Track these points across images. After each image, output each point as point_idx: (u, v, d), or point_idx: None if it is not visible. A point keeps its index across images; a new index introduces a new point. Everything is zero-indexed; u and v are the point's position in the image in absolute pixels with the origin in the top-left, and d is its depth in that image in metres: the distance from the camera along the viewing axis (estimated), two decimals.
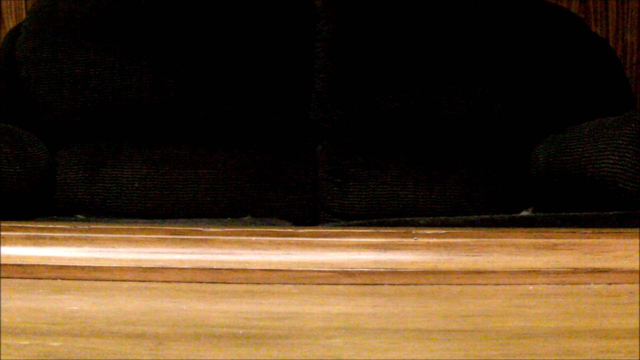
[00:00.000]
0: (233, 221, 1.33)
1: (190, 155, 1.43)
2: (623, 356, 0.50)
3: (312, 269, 0.61)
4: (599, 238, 0.63)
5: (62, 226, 0.64)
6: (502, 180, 1.45)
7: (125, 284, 0.61)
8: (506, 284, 0.62)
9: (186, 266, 0.62)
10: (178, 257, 0.62)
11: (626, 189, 1.06)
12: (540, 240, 0.63)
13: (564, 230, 0.65)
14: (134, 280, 0.61)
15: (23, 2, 1.72)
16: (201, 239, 0.63)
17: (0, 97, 1.47)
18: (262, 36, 1.48)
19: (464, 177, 1.45)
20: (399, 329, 0.54)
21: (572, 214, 1.02)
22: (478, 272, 0.62)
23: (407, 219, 1.17)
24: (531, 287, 0.61)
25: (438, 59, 1.47)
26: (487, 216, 1.10)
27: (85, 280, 0.61)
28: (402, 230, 0.64)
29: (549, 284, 0.62)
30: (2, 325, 0.53)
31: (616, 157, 1.09)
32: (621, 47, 1.78)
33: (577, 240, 0.63)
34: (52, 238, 0.63)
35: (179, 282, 0.61)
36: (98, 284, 0.61)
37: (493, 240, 0.63)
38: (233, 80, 1.45)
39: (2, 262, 0.61)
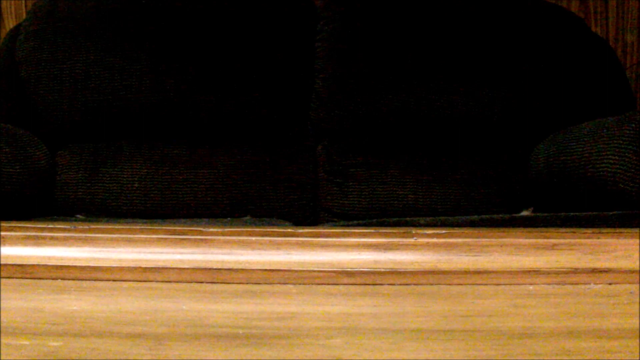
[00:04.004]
0: (233, 221, 1.33)
1: (190, 155, 1.43)
2: (623, 356, 0.50)
3: (312, 269, 0.61)
4: (599, 238, 0.63)
5: (62, 226, 0.64)
6: (502, 180, 1.45)
7: (125, 284, 0.61)
8: (506, 284, 0.62)
9: (186, 266, 0.62)
10: (178, 257, 0.62)
11: (626, 189, 1.06)
12: (540, 240, 0.63)
13: (564, 230, 0.65)
14: (134, 280, 0.61)
15: (23, 2, 1.72)
16: (201, 239, 0.63)
17: (0, 97, 1.47)
18: (262, 36, 1.48)
19: (464, 177, 1.44)
20: (399, 329, 0.54)
21: (572, 214, 1.02)
22: (478, 272, 0.62)
23: (407, 219, 1.17)
24: (531, 287, 0.61)
25: (438, 59, 1.47)
26: (487, 216, 1.11)
27: (85, 280, 0.61)
28: (402, 230, 0.64)
29: (549, 284, 0.62)
30: (2, 325, 0.53)
31: (616, 157, 1.09)
32: (621, 47, 1.78)
33: (577, 240, 0.63)
34: (52, 238, 0.63)
35: (179, 282, 0.61)
36: (98, 284, 0.61)
37: (493, 240, 0.63)
38: (233, 80, 1.45)
39: (2, 262, 0.61)
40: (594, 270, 0.62)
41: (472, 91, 1.45)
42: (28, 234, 0.63)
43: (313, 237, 0.63)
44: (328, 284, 0.61)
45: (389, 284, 0.61)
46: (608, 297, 0.60)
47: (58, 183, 1.42)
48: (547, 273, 0.62)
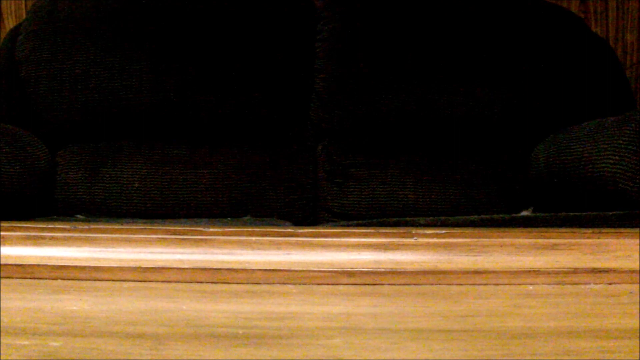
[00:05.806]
0: (233, 221, 1.33)
1: (190, 155, 1.43)
2: (623, 356, 0.50)
3: (312, 269, 0.61)
4: (599, 238, 0.63)
5: (62, 226, 0.64)
6: (502, 180, 1.45)
7: (125, 284, 0.61)
8: (506, 284, 0.62)
9: (186, 266, 0.62)
10: (178, 257, 0.62)
11: (626, 189, 1.06)
12: (540, 240, 0.63)
13: (564, 230, 0.65)
14: (134, 280, 0.61)
15: (23, 2, 1.72)
16: (201, 239, 0.63)
17: (0, 97, 1.47)
18: (262, 36, 1.48)
19: (464, 177, 1.44)
20: (399, 329, 0.54)
21: (572, 214, 1.02)
22: (478, 272, 0.62)
23: (407, 219, 1.17)
24: (531, 287, 0.61)
25: (438, 59, 1.47)
26: (487, 216, 1.10)
27: (85, 280, 0.61)
28: (402, 230, 0.64)
29: (549, 284, 0.61)
30: (2, 325, 0.53)
31: (616, 157, 1.09)
32: (621, 47, 1.78)
33: (577, 240, 0.63)
34: (52, 238, 0.63)
35: (179, 282, 0.61)
36: (98, 284, 0.61)
37: (493, 240, 0.63)
38: (233, 80, 1.45)
39: (2, 262, 0.61)
40: (594, 270, 0.62)
41: (472, 91, 1.45)
42: (28, 234, 0.63)
43: (313, 237, 0.63)
44: (328, 284, 0.61)
45: (389, 284, 0.61)
46: (608, 297, 0.60)
47: (58, 183, 1.42)
48: (547, 273, 0.62)
